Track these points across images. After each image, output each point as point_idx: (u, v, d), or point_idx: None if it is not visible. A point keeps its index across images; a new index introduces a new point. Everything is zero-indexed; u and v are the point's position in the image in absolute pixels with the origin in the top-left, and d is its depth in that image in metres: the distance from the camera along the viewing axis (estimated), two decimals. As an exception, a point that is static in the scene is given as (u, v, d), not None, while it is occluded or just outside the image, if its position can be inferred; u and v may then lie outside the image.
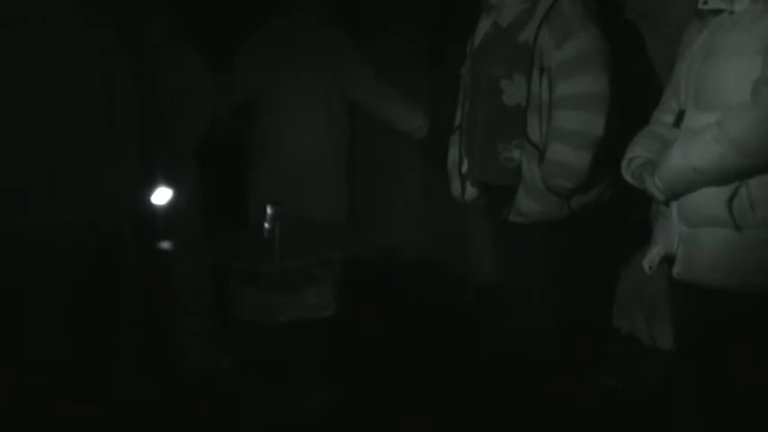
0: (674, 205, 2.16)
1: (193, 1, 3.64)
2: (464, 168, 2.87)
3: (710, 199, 2.05)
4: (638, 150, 2.29)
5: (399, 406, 3.01)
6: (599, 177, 2.65)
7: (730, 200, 2.00)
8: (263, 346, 3.28)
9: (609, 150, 2.55)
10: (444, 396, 3.06)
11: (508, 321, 2.87)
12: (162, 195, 2.90)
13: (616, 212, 2.80)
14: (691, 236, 2.11)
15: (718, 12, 2.11)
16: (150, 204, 2.92)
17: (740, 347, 2.10)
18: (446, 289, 4.24)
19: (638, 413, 2.84)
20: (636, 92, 2.73)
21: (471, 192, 2.90)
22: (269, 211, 2.82)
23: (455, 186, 2.94)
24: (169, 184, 2.94)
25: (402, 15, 4.44)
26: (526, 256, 2.76)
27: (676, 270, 2.15)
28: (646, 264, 2.24)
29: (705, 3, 2.13)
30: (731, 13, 2.07)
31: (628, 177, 2.30)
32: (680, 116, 2.18)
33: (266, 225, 2.82)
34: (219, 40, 3.80)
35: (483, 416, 2.88)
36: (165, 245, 3.00)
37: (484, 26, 2.82)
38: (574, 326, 2.83)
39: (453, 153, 2.93)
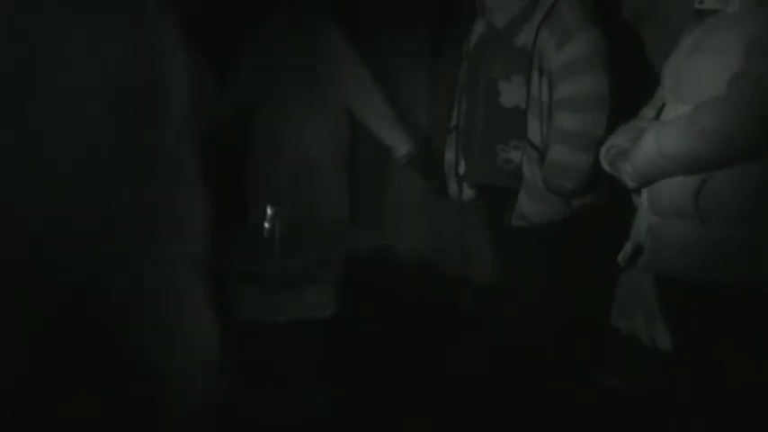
0: (644, 195, 2.20)
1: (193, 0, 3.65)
2: (461, 169, 2.87)
3: (679, 189, 2.07)
4: (616, 140, 2.32)
5: (399, 406, 3.01)
6: (599, 178, 2.65)
7: (697, 192, 2.02)
8: (263, 346, 3.28)
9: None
10: (444, 396, 3.06)
11: (508, 321, 2.87)
12: None
13: (616, 212, 2.80)
14: (658, 227, 2.14)
15: (714, 12, 2.13)
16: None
17: (721, 342, 2.11)
18: (446, 289, 4.24)
19: (637, 413, 2.84)
20: (636, 92, 2.73)
21: (469, 193, 2.90)
22: (269, 211, 2.82)
23: (452, 187, 2.94)
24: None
25: (402, 15, 4.44)
26: (526, 257, 2.76)
27: (642, 261, 2.19)
28: (620, 257, 2.28)
29: (701, 2, 2.15)
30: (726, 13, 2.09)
31: (605, 165, 2.35)
32: (661, 109, 2.22)
33: (266, 225, 2.82)
34: (219, 39, 3.80)
35: (483, 416, 2.88)
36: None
37: (479, 27, 2.82)
38: (573, 326, 2.83)
39: (450, 154, 2.93)
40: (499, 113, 2.68)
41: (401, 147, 3.57)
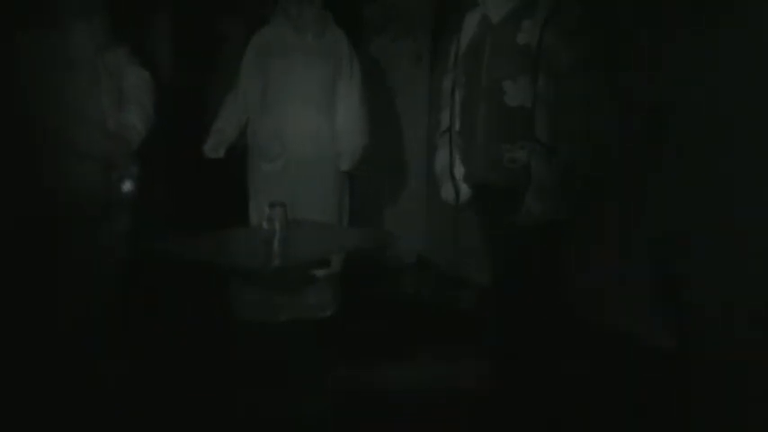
0: None
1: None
2: (457, 171, 2.87)
3: None
4: None
5: (399, 406, 3.01)
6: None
7: None
8: (263, 346, 3.28)
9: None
10: (443, 395, 3.06)
11: (507, 321, 2.87)
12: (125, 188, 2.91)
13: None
14: None
15: None
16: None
17: None
18: (445, 289, 4.25)
19: (636, 412, 2.85)
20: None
21: (466, 194, 2.89)
22: (269, 211, 2.82)
23: (447, 188, 2.93)
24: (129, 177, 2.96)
25: (402, 15, 4.45)
26: (526, 256, 2.76)
27: None
28: None
29: None
30: None
31: None
32: None
33: (266, 225, 2.82)
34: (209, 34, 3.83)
35: (482, 416, 2.88)
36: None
37: (471, 25, 2.80)
38: (572, 325, 2.83)
39: (443, 156, 2.90)
40: (504, 113, 2.67)
41: (345, 163, 3.62)
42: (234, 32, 4.04)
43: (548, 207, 2.63)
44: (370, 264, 4.40)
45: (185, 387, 3.00)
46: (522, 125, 2.62)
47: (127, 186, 2.92)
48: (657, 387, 2.88)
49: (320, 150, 3.57)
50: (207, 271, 3.22)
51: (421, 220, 4.58)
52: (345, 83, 3.61)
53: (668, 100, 2.54)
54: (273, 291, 3.51)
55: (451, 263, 4.39)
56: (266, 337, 3.42)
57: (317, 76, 3.55)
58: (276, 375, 3.03)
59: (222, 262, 2.93)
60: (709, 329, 2.73)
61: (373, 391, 3.03)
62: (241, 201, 3.70)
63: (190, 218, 4.20)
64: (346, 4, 4.11)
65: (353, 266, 3.83)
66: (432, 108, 4.47)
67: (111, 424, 2.73)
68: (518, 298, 2.79)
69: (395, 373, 3.18)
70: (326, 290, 3.68)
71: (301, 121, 3.54)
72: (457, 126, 2.83)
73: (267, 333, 3.46)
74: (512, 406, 2.82)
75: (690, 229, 2.75)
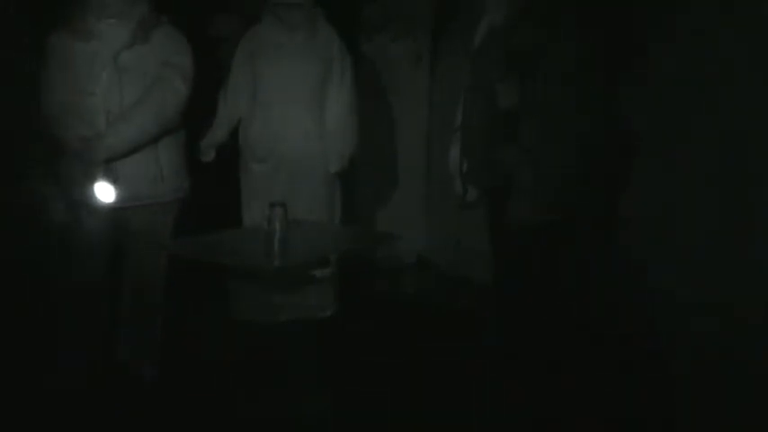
0: None
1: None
2: (464, 169, 2.88)
3: None
4: None
5: (398, 406, 3.01)
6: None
7: None
8: (263, 346, 3.29)
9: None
10: (442, 395, 3.07)
11: (507, 322, 2.87)
12: (104, 191, 2.85)
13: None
14: None
15: None
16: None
17: None
18: (446, 289, 4.25)
19: (635, 413, 2.85)
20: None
21: (473, 193, 2.91)
22: (269, 211, 2.82)
23: (457, 187, 2.95)
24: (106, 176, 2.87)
25: (402, 15, 4.44)
26: (525, 257, 2.76)
27: None
28: None
29: None
30: None
31: None
32: None
33: (266, 225, 2.82)
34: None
35: (481, 416, 2.89)
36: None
37: (483, 26, 2.83)
38: (572, 326, 2.83)
39: (455, 154, 2.93)
40: (496, 114, 2.69)
41: (334, 164, 3.60)
42: (235, 32, 4.03)
43: (535, 210, 2.64)
44: (371, 264, 4.40)
45: (185, 387, 3.00)
46: (512, 128, 2.64)
47: (97, 185, 2.80)
48: (657, 387, 2.88)
49: (309, 151, 3.56)
50: (207, 271, 3.23)
51: (421, 220, 4.58)
52: (336, 84, 3.59)
53: (668, 100, 2.53)
54: (273, 291, 3.51)
55: (451, 263, 4.38)
56: (266, 337, 3.42)
57: (306, 76, 3.53)
58: (276, 375, 3.03)
59: (222, 262, 2.93)
60: (707, 328, 2.74)
61: (373, 391, 3.03)
62: (238, 200, 3.70)
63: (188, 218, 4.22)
64: (346, 3, 4.11)
65: (353, 266, 3.83)
66: (432, 108, 4.47)
67: (111, 424, 2.74)
68: (518, 298, 2.79)
69: (393, 374, 3.19)
70: (326, 290, 3.68)
71: (290, 121, 3.53)
72: (464, 126, 2.87)
73: (267, 333, 3.46)
74: (512, 405, 2.83)
75: (689, 228, 2.75)
